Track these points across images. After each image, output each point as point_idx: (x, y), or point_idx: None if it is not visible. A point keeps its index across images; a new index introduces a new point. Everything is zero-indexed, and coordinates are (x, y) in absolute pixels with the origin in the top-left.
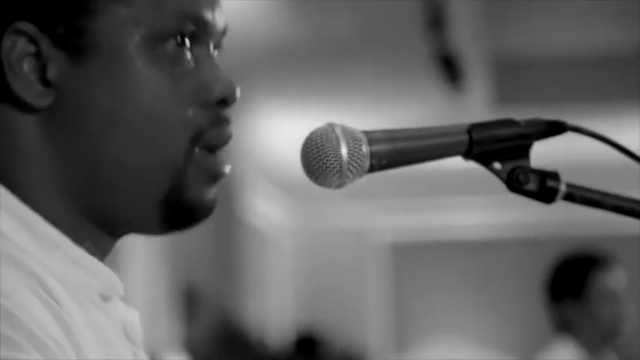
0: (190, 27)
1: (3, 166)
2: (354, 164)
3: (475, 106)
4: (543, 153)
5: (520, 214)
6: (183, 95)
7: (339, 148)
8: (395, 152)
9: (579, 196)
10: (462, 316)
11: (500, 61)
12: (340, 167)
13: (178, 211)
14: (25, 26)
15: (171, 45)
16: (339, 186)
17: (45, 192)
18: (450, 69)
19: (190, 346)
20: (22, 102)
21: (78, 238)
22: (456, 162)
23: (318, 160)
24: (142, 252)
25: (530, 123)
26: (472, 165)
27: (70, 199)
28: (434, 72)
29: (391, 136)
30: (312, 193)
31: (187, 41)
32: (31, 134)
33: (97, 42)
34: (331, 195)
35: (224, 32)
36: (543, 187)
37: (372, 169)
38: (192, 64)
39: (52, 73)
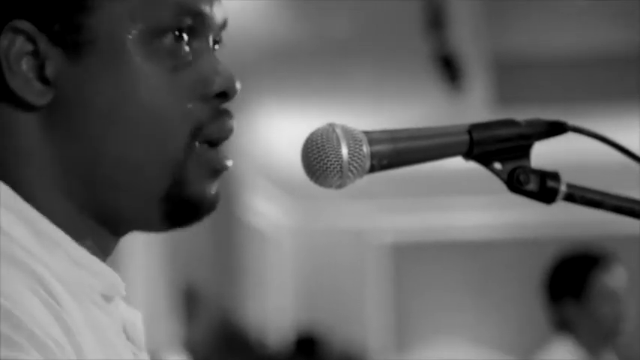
0: (188, 21)
1: (4, 165)
2: (355, 164)
3: (475, 106)
4: (544, 153)
5: (520, 215)
6: (182, 89)
7: (340, 148)
8: (395, 152)
9: (579, 196)
10: (462, 316)
11: (500, 61)
12: (341, 167)
13: (180, 206)
14: (23, 24)
15: (169, 39)
16: (340, 186)
17: (46, 190)
18: (450, 69)
19: (190, 346)
20: (22, 101)
21: (79, 237)
22: (457, 162)
23: (319, 160)
24: (141, 252)
25: (530, 123)
26: (472, 165)
27: (71, 197)
28: (434, 72)
29: (391, 136)
30: (312, 193)
31: (185, 35)
32: (30, 133)
33: (94, 38)
34: (331, 195)
35: (224, 26)
36: (544, 188)
37: (372, 169)
38: (190, 58)
39: (50, 71)
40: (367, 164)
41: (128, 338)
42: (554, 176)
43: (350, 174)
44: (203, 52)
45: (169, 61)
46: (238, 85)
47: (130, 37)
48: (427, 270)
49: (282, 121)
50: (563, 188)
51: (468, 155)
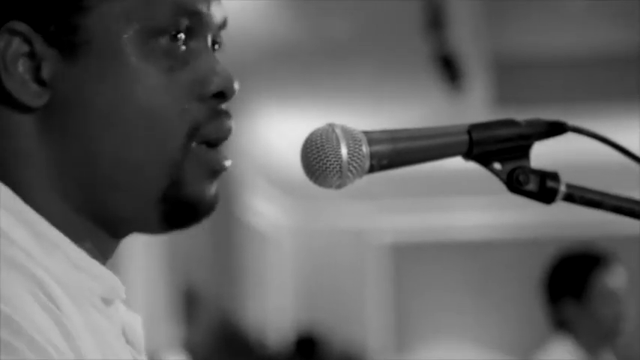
0: (185, 20)
1: (2, 166)
2: (354, 164)
3: (475, 107)
4: (543, 153)
5: (520, 215)
6: (178, 89)
7: (339, 148)
8: (395, 152)
9: (579, 196)
10: (462, 316)
11: (500, 61)
12: (340, 167)
13: (178, 207)
14: (19, 26)
15: (166, 39)
16: (339, 186)
17: (44, 192)
18: (449, 69)
19: (190, 347)
20: (18, 102)
21: (79, 239)
22: (456, 162)
23: (318, 160)
24: (141, 253)
25: (530, 123)
26: (472, 165)
27: (68, 199)
28: (434, 72)
29: (391, 136)
30: (311, 194)
31: (183, 35)
32: (27, 134)
33: (90, 39)
34: (331, 195)
35: (223, 25)
36: (543, 188)
37: (372, 169)
38: (188, 58)
39: (46, 72)
40: (367, 164)
41: (128, 341)
42: (554, 176)
43: (349, 174)
44: (201, 52)
45: (166, 60)
46: (236, 86)
47: (127, 37)
48: (427, 270)
49: (282, 122)
50: (562, 188)
51: (468, 155)
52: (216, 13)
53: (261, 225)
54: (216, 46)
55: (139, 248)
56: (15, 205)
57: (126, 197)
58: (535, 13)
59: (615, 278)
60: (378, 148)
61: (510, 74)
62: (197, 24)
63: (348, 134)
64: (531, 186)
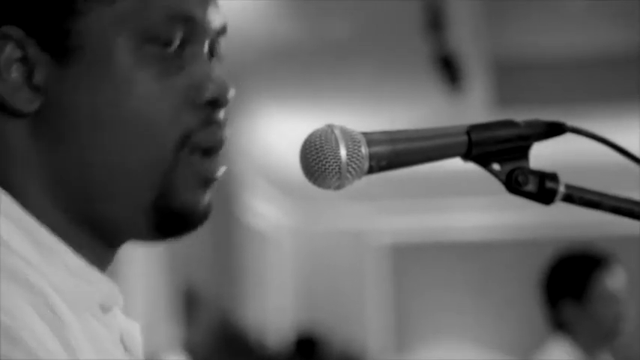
0: (180, 26)
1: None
2: (353, 166)
3: (475, 107)
4: (543, 154)
5: (519, 216)
6: (171, 96)
7: (338, 149)
8: (394, 153)
9: (578, 197)
10: (462, 317)
11: (500, 62)
12: (339, 169)
13: (169, 217)
14: (12, 30)
15: (159, 44)
16: (338, 187)
17: (39, 199)
18: (449, 70)
19: (190, 348)
20: (10, 107)
21: (75, 247)
22: (456, 163)
23: (317, 161)
24: (141, 253)
25: (529, 124)
26: (471, 166)
27: (63, 207)
28: (434, 73)
29: (390, 137)
30: (311, 194)
31: (178, 40)
32: (20, 140)
33: (82, 44)
34: (331, 196)
35: (222, 31)
36: (542, 189)
37: (371, 170)
38: (182, 64)
39: (39, 77)
40: (366, 165)
41: (126, 349)
42: (553, 177)
43: (348, 175)
44: (196, 59)
45: (159, 66)
46: (232, 93)
47: (119, 42)
48: (426, 271)
49: (282, 122)
50: (561, 189)
51: (467, 156)
52: (214, 18)
53: (261, 225)
54: (215, 52)
55: (139, 249)
56: (14, 212)
57: (116, 206)
58: (535, 14)
59: (615, 279)
60: (377, 149)
61: (510, 75)
62: (193, 30)
63: (347, 135)
64: (530, 187)
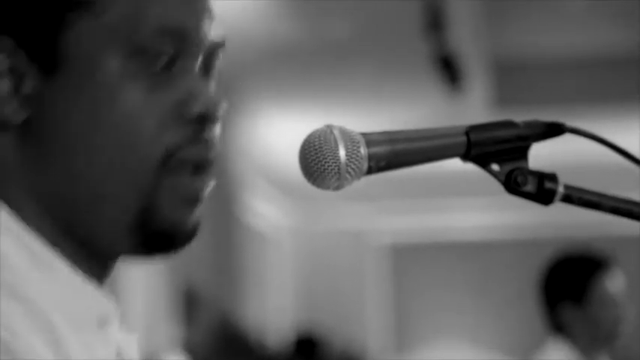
0: (170, 40)
1: None
2: (352, 166)
3: (474, 107)
4: (542, 154)
5: (518, 216)
6: (157, 111)
7: (337, 150)
8: (393, 154)
9: (577, 197)
10: (461, 317)
11: (500, 62)
12: (338, 169)
13: (153, 236)
14: (3, 41)
15: (148, 59)
16: (337, 188)
17: (32, 212)
18: (449, 70)
19: (190, 348)
20: None
21: (71, 261)
22: (455, 163)
23: (317, 162)
24: None
25: (528, 124)
26: (470, 166)
27: (54, 222)
28: (433, 73)
29: (389, 137)
30: (311, 195)
31: (167, 55)
32: (7, 151)
33: (70, 55)
34: (331, 196)
35: (219, 44)
36: (541, 189)
37: (370, 170)
38: (171, 79)
39: (27, 88)
40: (365, 166)
41: None
42: (552, 177)
43: (348, 175)
44: (186, 73)
45: (147, 81)
46: (222, 109)
47: (107, 54)
48: (426, 271)
49: (282, 122)
50: (560, 189)
51: (466, 157)
52: (209, 31)
53: (261, 226)
54: (210, 67)
55: None
56: (12, 227)
57: (100, 222)
58: (535, 14)
59: (615, 282)
60: (376, 149)
61: (510, 75)
62: (184, 43)
63: (346, 136)
64: (529, 187)
